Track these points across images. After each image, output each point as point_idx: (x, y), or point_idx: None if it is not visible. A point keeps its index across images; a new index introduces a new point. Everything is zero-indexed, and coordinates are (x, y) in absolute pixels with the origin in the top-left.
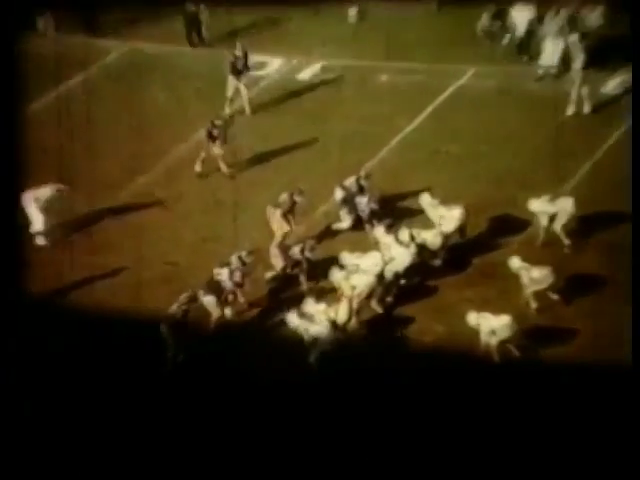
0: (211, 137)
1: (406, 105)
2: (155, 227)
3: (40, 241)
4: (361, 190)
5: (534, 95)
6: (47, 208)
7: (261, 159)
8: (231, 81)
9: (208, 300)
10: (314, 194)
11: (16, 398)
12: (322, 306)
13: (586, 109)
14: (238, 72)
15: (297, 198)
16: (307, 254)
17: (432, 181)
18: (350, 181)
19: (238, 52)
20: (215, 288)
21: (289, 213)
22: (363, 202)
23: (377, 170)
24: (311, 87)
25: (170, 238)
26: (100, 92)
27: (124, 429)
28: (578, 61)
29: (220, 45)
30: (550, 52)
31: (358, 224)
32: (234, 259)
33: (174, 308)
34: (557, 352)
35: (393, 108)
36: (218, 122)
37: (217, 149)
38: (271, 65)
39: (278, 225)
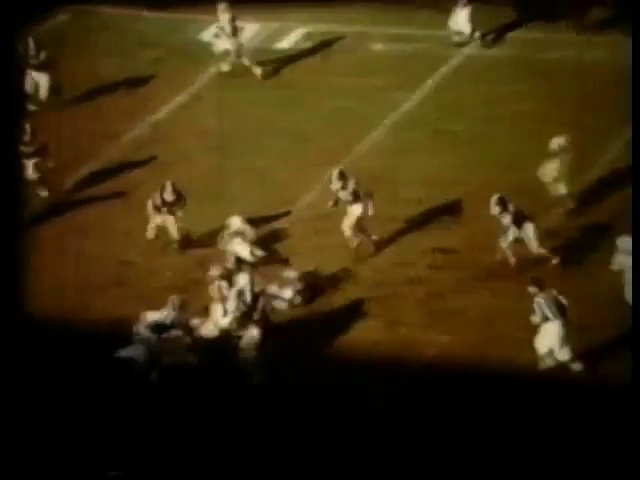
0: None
1: (403, 78)
2: (106, 221)
3: None
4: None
5: (553, 64)
6: None
7: (232, 142)
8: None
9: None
10: (294, 182)
11: None
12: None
13: None
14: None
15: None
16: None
17: (432, 166)
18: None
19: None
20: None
21: None
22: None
23: (368, 153)
24: (292, 57)
25: (125, 233)
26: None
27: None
28: None
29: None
30: None
31: None
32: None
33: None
34: None
35: (387, 81)
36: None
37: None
38: (246, 32)
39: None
